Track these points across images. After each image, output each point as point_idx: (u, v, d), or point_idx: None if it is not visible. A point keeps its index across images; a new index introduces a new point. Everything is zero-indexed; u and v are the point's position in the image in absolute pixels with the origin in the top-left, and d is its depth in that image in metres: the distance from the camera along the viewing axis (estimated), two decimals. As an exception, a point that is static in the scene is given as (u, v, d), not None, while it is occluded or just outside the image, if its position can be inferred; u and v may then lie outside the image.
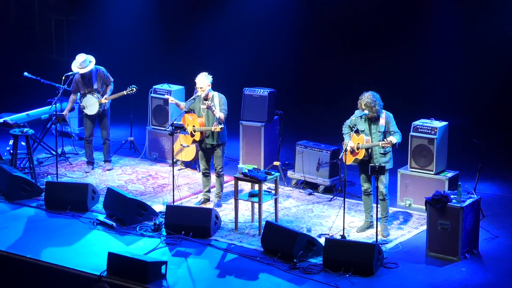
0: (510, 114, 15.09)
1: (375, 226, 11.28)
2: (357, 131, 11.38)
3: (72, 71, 13.75)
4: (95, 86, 13.68)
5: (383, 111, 11.31)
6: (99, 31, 18.52)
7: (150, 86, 14.73)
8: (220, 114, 12.12)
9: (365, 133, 11.33)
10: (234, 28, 17.07)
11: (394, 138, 11.13)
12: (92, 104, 13.71)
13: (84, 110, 13.84)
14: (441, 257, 10.82)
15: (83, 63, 13.60)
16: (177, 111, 13.81)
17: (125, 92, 13.79)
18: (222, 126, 12.06)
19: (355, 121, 11.40)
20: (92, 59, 13.72)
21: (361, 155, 11.31)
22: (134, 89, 13.80)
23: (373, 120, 11.30)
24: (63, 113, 13.82)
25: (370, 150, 11.25)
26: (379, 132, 11.27)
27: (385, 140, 11.10)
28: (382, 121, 11.28)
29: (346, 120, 11.51)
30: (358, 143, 11.31)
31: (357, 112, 11.40)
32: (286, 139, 14.41)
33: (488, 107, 15.17)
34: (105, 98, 13.69)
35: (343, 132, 11.49)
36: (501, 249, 11.17)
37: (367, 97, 11.22)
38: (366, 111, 11.27)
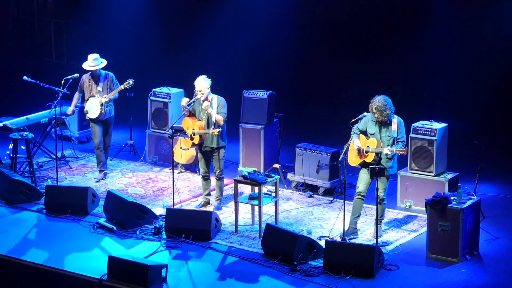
0: (510, 115, 15.09)
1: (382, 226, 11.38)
2: (365, 134, 11.35)
3: (72, 74, 13.72)
4: (99, 88, 13.57)
5: (395, 116, 11.28)
6: (98, 35, 18.53)
7: (149, 90, 14.72)
8: (218, 116, 12.11)
9: (375, 136, 11.29)
10: (233, 30, 17.08)
11: (400, 147, 11.13)
12: (94, 106, 13.59)
13: (87, 115, 13.72)
14: (441, 258, 10.82)
15: (94, 60, 13.49)
16: (176, 114, 13.83)
17: (122, 87, 13.60)
18: (220, 129, 12.06)
19: (365, 125, 11.33)
20: (104, 60, 13.65)
21: (370, 158, 11.26)
22: (131, 81, 13.58)
23: (383, 124, 11.27)
24: (67, 112, 13.79)
25: (379, 154, 11.22)
26: (389, 136, 11.23)
27: (400, 148, 11.06)
28: (394, 126, 11.21)
29: (354, 122, 11.42)
30: (368, 146, 11.27)
31: (368, 115, 11.35)
32: (286, 141, 14.40)
33: (488, 108, 15.18)
34: (105, 97, 13.56)
35: (351, 132, 11.44)
36: (502, 250, 11.17)
37: (378, 100, 11.17)
38: (366, 113, 11.27)
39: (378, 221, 11.30)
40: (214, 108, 12.18)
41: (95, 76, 13.63)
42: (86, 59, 13.64)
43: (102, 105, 13.56)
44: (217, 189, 12.57)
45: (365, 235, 11.57)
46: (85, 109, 13.71)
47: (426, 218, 11.04)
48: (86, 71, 13.67)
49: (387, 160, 11.24)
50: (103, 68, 13.67)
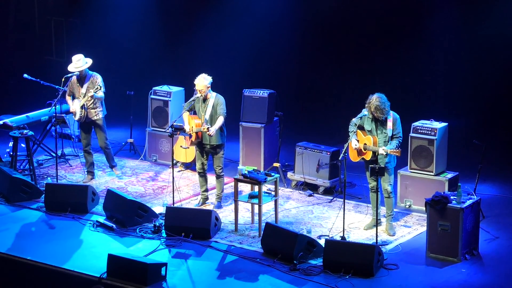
0: (510, 115, 15.08)
1: (382, 223, 11.38)
2: (362, 129, 11.38)
3: (71, 72, 13.66)
4: (82, 90, 13.44)
5: (391, 112, 11.31)
6: (98, 33, 18.51)
7: (150, 88, 14.72)
8: (218, 123, 12.10)
9: (372, 133, 11.34)
10: (234, 29, 17.07)
11: (394, 145, 11.19)
12: (76, 108, 13.52)
13: (74, 116, 13.68)
14: (441, 258, 10.83)
15: (78, 62, 13.35)
16: (177, 112, 13.82)
17: (91, 91, 13.25)
18: (209, 126, 12.05)
19: (362, 120, 11.39)
20: (88, 60, 13.54)
21: (368, 156, 11.35)
22: (99, 87, 13.43)
23: (379, 121, 11.30)
24: (69, 113, 13.51)
25: (376, 152, 11.26)
26: (384, 133, 11.28)
27: (394, 148, 11.11)
28: (389, 124, 11.26)
29: (353, 118, 11.48)
30: (365, 144, 11.32)
31: (364, 111, 11.40)
32: (286, 140, 14.41)
33: (488, 108, 15.16)
34: (83, 98, 13.38)
35: (349, 130, 11.48)
36: (501, 250, 11.17)
37: (375, 100, 11.18)
38: (366, 113, 11.29)
39: (389, 216, 11.51)
40: (210, 106, 12.19)
41: (82, 78, 13.46)
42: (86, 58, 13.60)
43: (82, 107, 13.40)
44: (217, 187, 12.57)
45: (365, 235, 11.58)
46: (71, 111, 13.61)
47: (426, 217, 11.05)
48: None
49: (384, 156, 11.27)
50: (91, 68, 13.52)
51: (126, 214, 11.81)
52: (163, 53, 18.00)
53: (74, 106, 13.46)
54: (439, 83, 15.69)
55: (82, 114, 13.40)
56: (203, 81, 12.19)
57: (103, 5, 18.48)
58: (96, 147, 14.09)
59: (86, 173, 13.83)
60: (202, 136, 12.27)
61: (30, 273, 10.87)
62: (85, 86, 13.39)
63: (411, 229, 11.79)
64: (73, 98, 13.58)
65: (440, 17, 15.35)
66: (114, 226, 11.79)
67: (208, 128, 11.97)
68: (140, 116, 15.48)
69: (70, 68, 13.42)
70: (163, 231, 11.60)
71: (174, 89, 14.60)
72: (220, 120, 12.16)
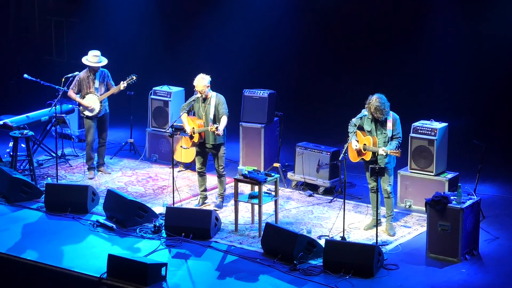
0: (510, 115, 15.09)
1: (382, 224, 11.39)
2: (362, 129, 11.38)
3: (72, 72, 13.70)
4: (96, 85, 13.58)
5: (391, 112, 11.31)
6: (99, 33, 18.52)
7: (150, 88, 14.73)
8: (223, 122, 12.11)
9: (372, 133, 11.35)
10: (234, 29, 17.08)
11: (394, 145, 11.20)
12: (93, 103, 13.58)
13: (84, 112, 13.72)
14: (441, 258, 10.83)
15: (96, 57, 13.49)
16: (177, 112, 13.81)
17: (125, 83, 13.55)
18: (218, 125, 12.06)
19: (362, 121, 11.39)
20: (104, 58, 13.64)
21: (368, 156, 11.35)
22: (134, 77, 13.58)
23: (379, 121, 11.30)
24: (69, 112, 13.71)
25: (376, 152, 11.26)
26: (384, 134, 11.28)
27: (393, 149, 11.12)
28: (389, 125, 11.27)
29: (353, 118, 11.49)
30: (365, 144, 11.32)
31: (364, 111, 11.40)
32: (286, 140, 14.41)
33: (488, 108, 15.17)
34: (105, 94, 13.50)
35: (348, 130, 11.48)
36: (501, 250, 11.17)
37: (375, 100, 11.17)
38: (366, 113, 11.29)
39: (389, 216, 11.52)
40: (213, 106, 12.20)
41: (93, 73, 13.60)
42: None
43: (100, 102, 13.55)
44: (220, 186, 12.57)
45: (365, 235, 11.58)
46: (86, 106, 13.63)
47: (426, 217, 11.05)
48: (83, 68, 13.62)
49: (383, 157, 11.28)
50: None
51: (126, 214, 11.80)
52: (163, 53, 18.01)
53: (90, 101, 13.52)
54: (439, 83, 15.70)
55: (100, 108, 13.49)
56: (202, 81, 12.19)
57: (103, 5, 18.50)
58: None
59: (87, 169, 13.85)
60: (205, 136, 12.27)
61: (30, 273, 10.87)
62: (98, 81, 13.59)
63: (411, 229, 11.79)
64: (79, 95, 13.68)
65: (440, 17, 15.36)
66: (114, 226, 11.79)
67: (217, 128, 11.98)
68: (140, 116, 15.48)
69: (85, 61, 13.52)
70: (163, 231, 11.60)
71: (174, 89, 14.61)
72: (224, 120, 12.17)
